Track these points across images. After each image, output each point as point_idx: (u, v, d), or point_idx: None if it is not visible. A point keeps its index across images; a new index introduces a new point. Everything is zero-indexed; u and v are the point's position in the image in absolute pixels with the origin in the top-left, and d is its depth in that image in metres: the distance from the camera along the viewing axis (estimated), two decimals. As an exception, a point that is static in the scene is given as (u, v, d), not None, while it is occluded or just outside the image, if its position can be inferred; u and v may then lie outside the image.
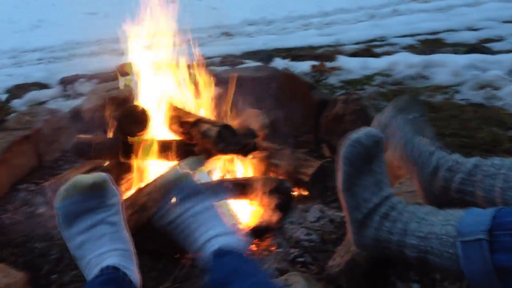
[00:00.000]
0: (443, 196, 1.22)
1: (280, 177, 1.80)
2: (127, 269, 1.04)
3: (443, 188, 1.20)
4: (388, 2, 6.58)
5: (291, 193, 1.76)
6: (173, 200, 1.17)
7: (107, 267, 1.01)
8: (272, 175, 1.84)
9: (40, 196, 1.99)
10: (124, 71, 3.36)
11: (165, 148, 1.80)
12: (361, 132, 1.09)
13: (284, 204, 1.68)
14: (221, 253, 1.05)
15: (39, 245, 1.72)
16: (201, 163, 1.21)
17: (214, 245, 1.08)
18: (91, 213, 1.09)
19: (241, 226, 1.20)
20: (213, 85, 2.17)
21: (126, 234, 1.14)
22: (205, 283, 1.03)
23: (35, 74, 4.40)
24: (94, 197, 1.10)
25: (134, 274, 1.07)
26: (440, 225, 0.94)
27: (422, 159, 1.23)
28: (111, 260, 1.04)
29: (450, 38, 4.62)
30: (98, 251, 1.05)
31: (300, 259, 1.51)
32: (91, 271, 1.03)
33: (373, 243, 1.07)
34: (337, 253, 1.38)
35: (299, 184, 1.82)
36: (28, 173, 2.21)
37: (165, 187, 1.20)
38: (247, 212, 1.70)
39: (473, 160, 1.16)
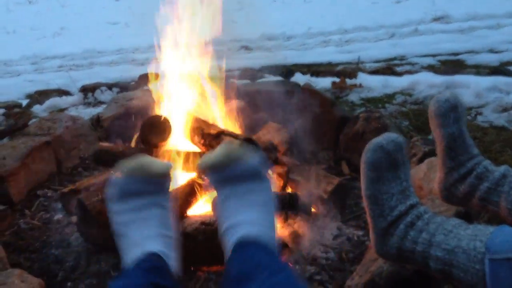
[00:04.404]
0: (464, 201, 1.20)
1: (299, 193, 1.78)
2: (169, 258, 1.01)
3: (467, 194, 1.18)
4: (408, 21, 6.54)
5: (310, 209, 1.74)
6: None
7: (153, 254, 0.98)
8: (290, 190, 1.83)
9: (58, 202, 2.00)
10: (145, 81, 3.39)
11: (186, 159, 1.79)
12: (381, 137, 1.08)
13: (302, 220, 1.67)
14: (243, 244, 0.98)
15: (55, 252, 1.72)
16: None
17: (236, 233, 1.01)
18: (147, 195, 1.06)
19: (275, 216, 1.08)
20: (234, 97, 2.18)
21: (173, 221, 1.10)
22: (225, 275, 0.96)
23: (56, 80, 4.43)
24: (156, 183, 1.07)
25: (175, 264, 1.03)
26: (468, 239, 0.92)
27: (461, 158, 1.20)
28: (155, 245, 1.00)
29: (471, 59, 4.57)
30: (145, 232, 1.02)
31: (317, 277, 1.50)
32: (132, 251, 1.00)
33: (396, 252, 1.05)
34: (356, 273, 1.36)
35: (318, 200, 1.80)
36: (47, 179, 2.22)
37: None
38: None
39: (502, 169, 1.14)
